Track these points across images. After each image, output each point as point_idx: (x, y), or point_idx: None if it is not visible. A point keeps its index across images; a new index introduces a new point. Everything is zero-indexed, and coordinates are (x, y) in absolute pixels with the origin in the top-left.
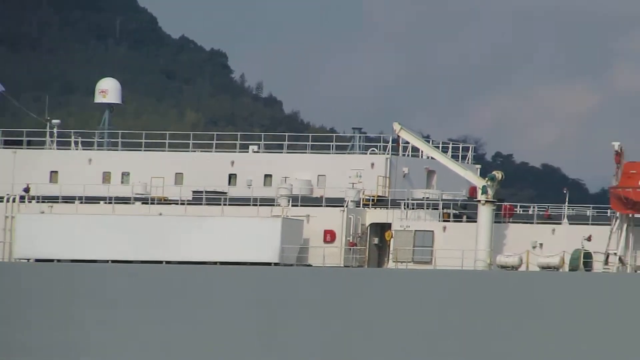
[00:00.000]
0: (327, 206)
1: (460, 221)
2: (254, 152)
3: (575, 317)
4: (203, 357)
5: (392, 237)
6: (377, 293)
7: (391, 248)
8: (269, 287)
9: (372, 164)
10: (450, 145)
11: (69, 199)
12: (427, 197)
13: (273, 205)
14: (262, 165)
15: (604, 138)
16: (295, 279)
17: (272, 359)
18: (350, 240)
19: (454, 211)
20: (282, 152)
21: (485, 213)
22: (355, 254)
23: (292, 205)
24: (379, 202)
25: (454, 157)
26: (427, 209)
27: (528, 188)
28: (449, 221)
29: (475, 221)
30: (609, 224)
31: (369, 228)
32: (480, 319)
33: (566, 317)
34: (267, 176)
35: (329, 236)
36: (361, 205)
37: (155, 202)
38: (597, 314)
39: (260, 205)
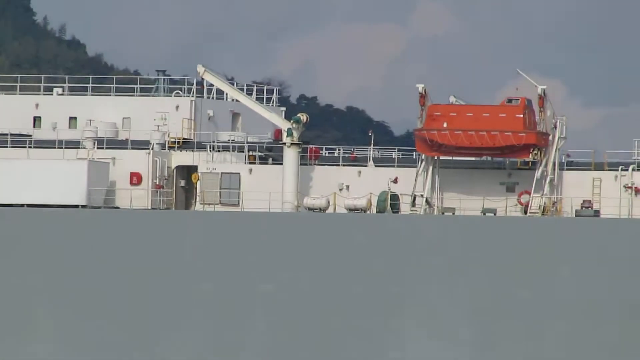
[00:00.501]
0: (132, 149)
1: (267, 164)
2: (59, 94)
3: (382, 259)
4: (12, 303)
5: (198, 179)
6: (184, 235)
7: (198, 190)
8: (77, 230)
9: (177, 107)
10: (255, 88)
11: None
12: (233, 140)
13: (79, 148)
14: (66, 107)
15: (408, 80)
16: (102, 221)
17: (80, 302)
18: (157, 183)
19: (260, 154)
20: (86, 95)
21: (291, 155)
22: (162, 196)
23: (98, 148)
24: (185, 144)
25: (259, 99)
26: (233, 151)
27: (333, 130)
28: (255, 164)
29: (282, 164)
30: (415, 167)
31: (175, 171)
32: (287, 260)
33: (374, 259)
34: (72, 119)
35: (135, 179)
36: (167, 147)
37: None
38: (405, 255)
39: (65, 148)
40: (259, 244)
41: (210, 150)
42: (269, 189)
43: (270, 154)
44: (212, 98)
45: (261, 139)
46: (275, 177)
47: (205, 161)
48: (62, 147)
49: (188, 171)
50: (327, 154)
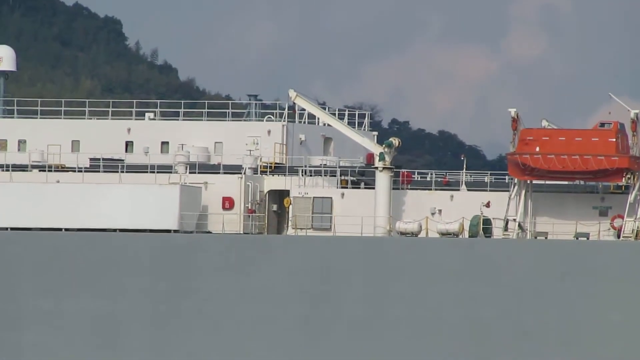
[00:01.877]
0: (224, 173)
1: (359, 188)
2: (150, 119)
3: (475, 284)
4: (104, 326)
5: (290, 204)
6: (277, 260)
7: (290, 215)
8: (170, 254)
9: (269, 131)
10: (346, 112)
11: None
12: (325, 164)
13: (171, 172)
14: (158, 132)
15: (500, 105)
16: (195, 245)
17: (178, 325)
18: (249, 208)
19: (352, 178)
20: (178, 120)
21: (383, 180)
22: (254, 220)
23: (190, 173)
24: (277, 169)
25: (351, 124)
26: (325, 176)
27: (425, 154)
28: (347, 188)
29: (374, 188)
30: (507, 191)
31: (267, 195)
32: (380, 284)
33: (466, 284)
34: (164, 143)
35: (228, 203)
36: (259, 172)
37: (53, 169)
38: (498, 280)
39: (158, 172)
40: (352, 269)
41: (302, 175)
42: (361, 213)
43: (362, 178)
44: (304, 123)
45: (353, 164)
46: (368, 201)
47: (297, 186)
48: (154, 172)
49: (280, 196)
50: (419, 178)
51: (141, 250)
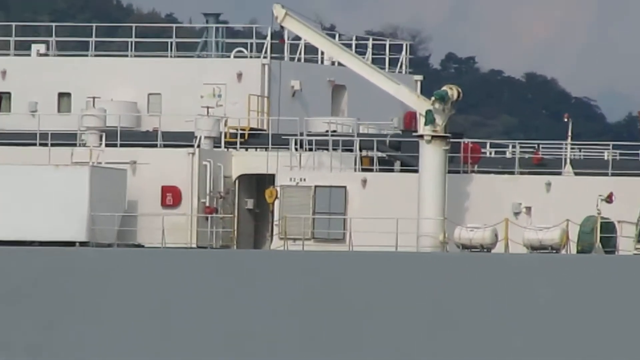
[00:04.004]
0: (165, 146)
1: (391, 170)
2: (40, 55)
3: (591, 325)
4: None
5: (276, 197)
6: (252, 294)
7: (276, 216)
8: (76, 281)
9: (239, 75)
10: (370, 43)
11: None
12: (334, 131)
13: (75, 145)
14: (53, 77)
15: (627, 30)
16: (112, 270)
17: None
18: (207, 205)
19: (380, 154)
20: (87, 56)
21: (432, 156)
22: (215, 226)
23: (107, 145)
24: (253, 139)
25: (377, 62)
26: (335, 150)
27: (503, 114)
28: (371, 171)
29: (416, 170)
30: None
31: (237, 183)
32: (431, 329)
33: (576, 324)
34: (63, 96)
35: (171, 197)
36: (222, 144)
37: None
38: (630, 323)
39: (52, 145)
40: (381, 308)
41: (296, 149)
42: (395, 213)
43: (396, 154)
44: (298, 60)
45: (382, 130)
46: (406, 193)
47: (287, 167)
48: (46, 144)
49: (259, 184)
50: (492, 154)
51: (24, 276)
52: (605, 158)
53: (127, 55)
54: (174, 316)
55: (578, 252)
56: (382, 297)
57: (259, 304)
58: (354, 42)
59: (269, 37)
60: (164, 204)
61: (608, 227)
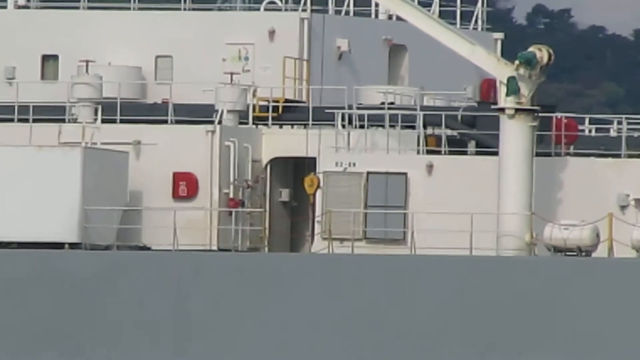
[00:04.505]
0: (177, 122)
1: (464, 152)
2: (19, 7)
3: None
4: None
5: (318, 187)
6: (287, 311)
7: (318, 211)
8: (66, 292)
9: (272, 33)
10: None
11: None
12: (392, 103)
13: (63, 120)
14: (34, 34)
15: None
16: (113, 276)
17: None
18: (230, 196)
19: (449, 131)
20: (78, 9)
21: (516, 135)
22: (241, 223)
23: (104, 121)
24: (289, 113)
25: (446, 16)
26: (393, 127)
27: (605, 81)
28: (439, 153)
29: (496, 153)
30: None
31: (269, 168)
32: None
33: None
34: (49, 59)
35: (185, 186)
36: (250, 120)
37: None
38: None
39: (34, 121)
40: (452, 326)
41: (343, 126)
42: (469, 207)
43: (471, 132)
44: (347, 14)
45: (451, 102)
46: (483, 181)
47: (332, 148)
48: (26, 119)
49: (296, 170)
50: (592, 133)
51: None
52: None
53: (129, 8)
54: (187, 335)
55: None
56: (453, 312)
57: (296, 322)
58: None
59: None
60: (176, 196)
61: None
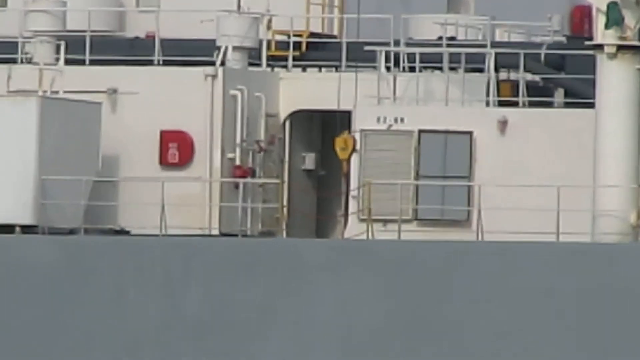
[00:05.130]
0: (166, 63)
1: (549, 104)
2: None
3: None
4: None
5: (354, 150)
6: (312, 311)
7: (353, 182)
8: (18, 286)
9: None
10: None
11: None
12: (453, 38)
13: (14, 61)
14: None
15: None
16: (81, 268)
17: None
18: (237, 163)
19: (530, 76)
20: None
21: (618, 81)
22: (251, 198)
23: (69, 62)
24: (316, 51)
25: None
26: (454, 69)
27: None
28: (515, 105)
29: (592, 105)
30: None
31: (289, 125)
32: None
33: None
34: None
35: (176, 149)
36: (264, 61)
37: None
38: None
39: None
40: (533, 329)
41: (387, 69)
42: (555, 177)
43: (557, 77)
44: None
45: (532, 36)
46: (573, 142)
47: (373, 99)
48: None
49: (324, 128)
50: None
51: None
52: None
53: None
54: (177, 350)
55: None
56: (534, 313)
57: (324, 329)
58: None
59: None
60: (164, 162)
61: None
